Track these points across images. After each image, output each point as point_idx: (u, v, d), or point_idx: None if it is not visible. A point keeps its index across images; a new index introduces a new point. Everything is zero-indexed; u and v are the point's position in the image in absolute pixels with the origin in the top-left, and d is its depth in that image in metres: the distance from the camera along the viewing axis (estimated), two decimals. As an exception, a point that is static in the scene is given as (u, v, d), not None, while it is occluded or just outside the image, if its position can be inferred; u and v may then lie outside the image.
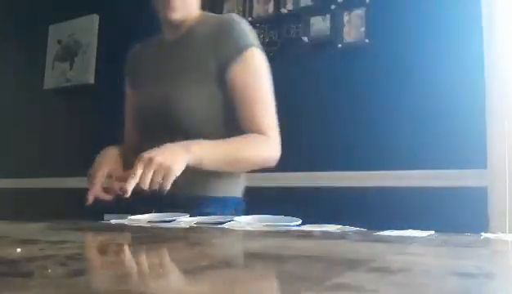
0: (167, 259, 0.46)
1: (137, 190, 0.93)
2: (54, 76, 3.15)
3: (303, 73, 2.26)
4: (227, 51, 1.12)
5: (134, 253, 0.49)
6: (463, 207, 1.81)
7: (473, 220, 1.73)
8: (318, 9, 2.24)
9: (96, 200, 1.08)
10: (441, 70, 1.96)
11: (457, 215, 1.78)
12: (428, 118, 1.95)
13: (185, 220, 0.91)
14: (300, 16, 2.28)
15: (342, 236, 0.70)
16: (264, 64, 1.15)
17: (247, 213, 1.04)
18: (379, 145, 2.03)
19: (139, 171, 0.92)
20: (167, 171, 0.93)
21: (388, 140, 2.02)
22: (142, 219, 0.96)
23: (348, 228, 0.82)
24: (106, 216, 1.88)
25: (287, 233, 0.72)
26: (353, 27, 2.15)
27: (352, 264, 0.40)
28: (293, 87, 2.25)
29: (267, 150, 1.12)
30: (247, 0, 2.44)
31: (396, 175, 1.97)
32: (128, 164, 1.17)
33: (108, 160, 1.14)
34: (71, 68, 3.08)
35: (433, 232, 0.75)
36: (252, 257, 0.45)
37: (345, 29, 2.17)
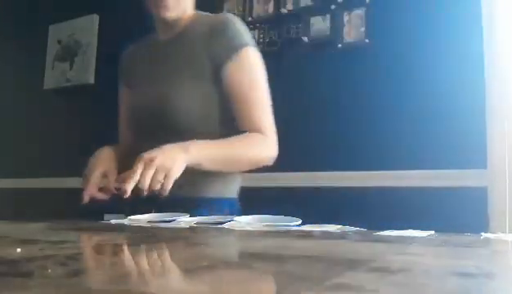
0: (167, 259, 0.46)
1: (136, 192, 0.92)
2: (54, 76, 3.15)
3: (303, 73, 2.26)
4: (222, 50, 1.11)
5: (134, 253, 0.49)
6: (463, 207, 1.81)
7: (473, 220, 1.72)
8: (318, 9, 2.24)
9: (92, 200, 1.08)
10: (441, 70, 1.96)
11: (457, 215, 1.78)
12: (429, 118, 1.95)
13: (185, 220, 0.91)
14: (300, 16, 2.28)
15: (342, 236, 0.70)
16: (259, 63, 1.15)
17: (242, 214, 1.03)
18: (379, 145, 2.03)
19: (139, 171, 0.92)
20: (167, 171, 0.93)
21: (388, 140, 2.02)
22: (142, 219, 0.96)
23: (348, 228, 0.82)
24: (106, 216, 1.88)
25: (287, 233, 0.72)
26: (353, 27, 2.15)
27: (352, 264, 0.40)
28: (293, 87, 2.25)
29: (264, 149, 1.12)
30: (247, 0, 2.44)
31: (396, 175, 1.97)
32: (123, 164, 1.17)
33: (103, 160, 1.14)
34: (71, 68, 3.08)
35: (433, 232, 0.75)
36: (252, 257, 0.45)
37: (345, 29, 2.17)
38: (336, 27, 2.19)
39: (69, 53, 3.10)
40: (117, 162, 1.16)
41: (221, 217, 0.95)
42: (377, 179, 2.00)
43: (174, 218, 0.92)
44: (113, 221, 0.93)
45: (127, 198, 0.92)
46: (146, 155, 0.95)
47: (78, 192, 1.09)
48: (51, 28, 3.21)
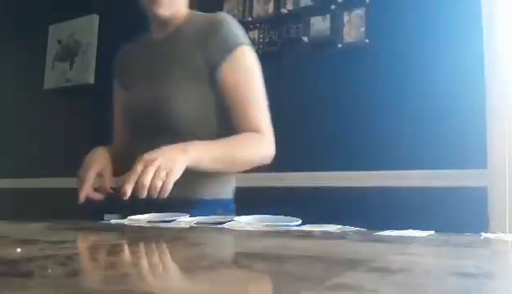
0: (167, 259, 0.46)
1: (136, 193, 0.92)
2: (54, 76, 3.15)
3: (303, 73, 2.26)
4: (217, 51, 1.11)
5: (134, 253, 0.49)
6: (463, 207, 1.81)
7: (473, 220, 1.73)
8: (318, 9, 2.24)
9: (88, 200, 1.08)
10: (441, 70, 1.96)
11: (457, 215, 1.78)
12: (428, 118, 1.95)
13: (185, 220, 0.91)
14: (300, 16, 2.28)
15: (342, 236, 0.70)
16: (255, 63, 1.15)
17: (236, 215, 1.03)
18: (379, 145, 2.03)
19: (139, 172, 0.92)
20: (168, 173, 0.93)
21: (388, 140, 2.02)
22: (142, 219, 0.96)
23: (348, 228, 0.82)
24: (106, 216, 1.88)
25: (287, 233, 0.72)
26: (353, 27, 2.15)
27: (352, 264, 0.40)
28: (293, 87, 2.25)
29: (262, 149, 1.11)
30: (247, 0, 2.44)
31: (396, 175, 1.97)
32: (118, 164, 1.17)
33: (98, 160, 1.14)
34: (71, 68, 3.08)
35: (433, 232, 0.75)
36: (252, 257, 0.45)
37: (345, 29, 2.17)
38: (336, 27, 2.19)
39: (69, 53, 3.10)
40: (112, 162, 1.16)
41: (221, 217, 0.95)
42: (377, 179, 2.00)
43: (174, 218, 0.92)
44: (113, 221, 0.93)
45: (126, 200, 0.92)
46: (147, 156, 0.94)
47: (78, 192, 1.10)
48: (51, 28, 3.21)
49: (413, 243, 0.60)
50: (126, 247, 0.55)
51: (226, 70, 1.11)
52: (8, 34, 3.46)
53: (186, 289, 0.30)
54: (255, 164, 1.11)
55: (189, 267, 0.38)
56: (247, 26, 2.35)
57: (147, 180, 0.91)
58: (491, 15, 1.90)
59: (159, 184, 0.92)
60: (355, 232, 0.79)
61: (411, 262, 0.43)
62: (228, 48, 1.11)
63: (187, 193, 1.09)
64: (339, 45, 2.17)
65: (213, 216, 0.97)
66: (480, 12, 1.92)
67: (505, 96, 1.85)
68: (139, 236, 0.70)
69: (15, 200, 3.11)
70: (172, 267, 0.40)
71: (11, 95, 3.41)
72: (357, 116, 2.10)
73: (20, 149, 3.27)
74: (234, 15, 2.34)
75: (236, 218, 0.90)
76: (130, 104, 1.22)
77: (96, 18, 3.03)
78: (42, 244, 0.52)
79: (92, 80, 2.98)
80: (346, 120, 2.12)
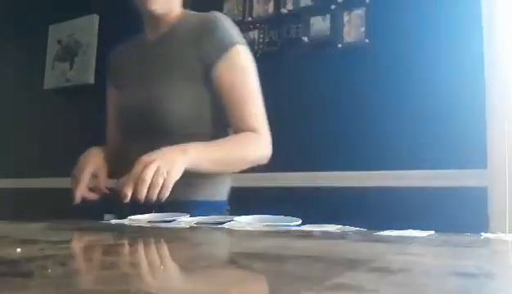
0: (167, 259, 0.46)
1: (135, 195, 0.91)
2: (54, 76, 3.15)
3: (303, 73, 2.26)
4: (212, 50, 1.10)
5: (134, 253, 0.49)
6: (463, 207, 1.81)
7: (473, 220, 1.72)
8: (318, 9, 2.24)
9: (83, 200, 1.08)
10: (441, 70, 1.96)
11: (457, 215, 1.78)
12: (428, 118, 1.95)
13: (185, 220, 0.91)
14: (300, 16, 2.28)
15: (342, 236, 0.70)
16: (250, 62, 1.14)
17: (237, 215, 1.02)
18: (379, 145, 2.03)
19: (138, 173, 0.92)
20: (167, 174, 0.92)
21: (388, 140, 2.02)
22: (142, 219, 0.96)
23: (348, 228, 0.82)
24: (106, 216, 1.88)
25: (287, 233, 0.72)
26: (353, 27, 2.15)
27: (352, 264, 0.40)
28: (293, 87, 2.25)
29: (259, 148, 1.11)
30: (247, 0, 2.44)
31: (396, 175, 1.97)
32: (111, 164, 1.17)
33: (92, 160, 1.14)
34: (71, 68, 3.08)
35: (433, 232, 0.75)
36: (252, 257, 0.45)
37: (345, 29, 2.17)
38: (336, 27, 2.19)
39: (69, 53, 3.10)
40: (106, 162, 1.16)
41: (221, 217, 0.95)
42: (377, 179, 2.00)
43: (174, 218, 0.92)
44: (113, 221, 0.93)
45: (126, 203, 0.92)
46: (146, 158, 0.94)
47: (73, 192, 1.10)
48: (51, 28, 3.21)
49: (413, 243, 0.60)
50: (126, 247, 0.55)
51: (222, 69, 1.10)
52: (8, 34, 3.46)
53: (186, 289, 0.30)
54: (252, 164, 1.11)
55: (189, 267, 0.38)
56: (247, 26, 2.36)
57: (146, 182, 0.90)
58: (491, 15, 1.90)
59: (157, 186, 0.91)
60: (355, 232, 0.79)
61: (411, 262, 0.43)
62: (223, 47, 1.10)
63: (182, 194, 1.06)
64: (339, 45, 2.17)
65: (213, 216, 0.97)
66: (480, 12, 1.92)
67: (505, 96, 1.85)
68: (139, 236, 0.70)
69: (15, 200, 3.11)
70: (172, 267, 0.40)
71: (11, 95, 3.41)
72: (357, 116, 2.10)
73: (20, 149, 3.27)
74: (234, 15, 2.36)
75: (236, 218, 0.90)
76: (123, 104, 1.22)
77: (96, 18, 3.03)
78: (42, 244, 0.52)
79: (92, 80, 2.98)
80: (346, 120, 2.12)
